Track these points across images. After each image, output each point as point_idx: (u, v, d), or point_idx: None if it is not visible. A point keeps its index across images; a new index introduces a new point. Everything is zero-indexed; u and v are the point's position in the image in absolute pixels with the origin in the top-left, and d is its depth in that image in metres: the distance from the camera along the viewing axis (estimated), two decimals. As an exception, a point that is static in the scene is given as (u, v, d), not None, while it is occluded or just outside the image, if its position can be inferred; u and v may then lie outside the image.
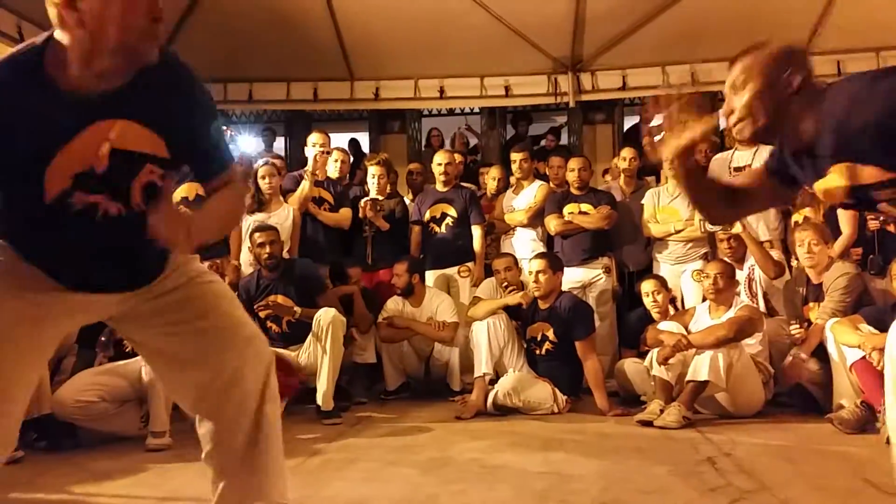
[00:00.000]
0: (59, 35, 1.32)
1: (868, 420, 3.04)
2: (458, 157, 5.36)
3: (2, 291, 1.41)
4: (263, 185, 4.43)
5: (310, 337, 3.68)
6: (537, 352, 3.89)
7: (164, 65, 1.39)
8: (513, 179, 5.05)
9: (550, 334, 3.84)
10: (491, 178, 5.34)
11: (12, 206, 1.43)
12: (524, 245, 4.77)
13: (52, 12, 1.31)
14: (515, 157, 4.95)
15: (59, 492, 2.35)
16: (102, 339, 3.39)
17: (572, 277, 4.43)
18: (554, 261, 3.98)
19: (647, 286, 4.02)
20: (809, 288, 3.69)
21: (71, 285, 1.47)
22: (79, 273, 1.48)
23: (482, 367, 3.76)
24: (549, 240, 4.78)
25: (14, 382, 1.43)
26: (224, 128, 5.64)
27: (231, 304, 1.64)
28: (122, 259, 1.50)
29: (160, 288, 1.56)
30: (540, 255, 4.03)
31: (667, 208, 4.45)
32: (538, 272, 3.85)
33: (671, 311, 4.04)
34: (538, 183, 4.94)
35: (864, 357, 3.06)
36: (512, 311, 4.00)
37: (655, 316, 3.94)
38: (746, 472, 2.41)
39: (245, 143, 6.57)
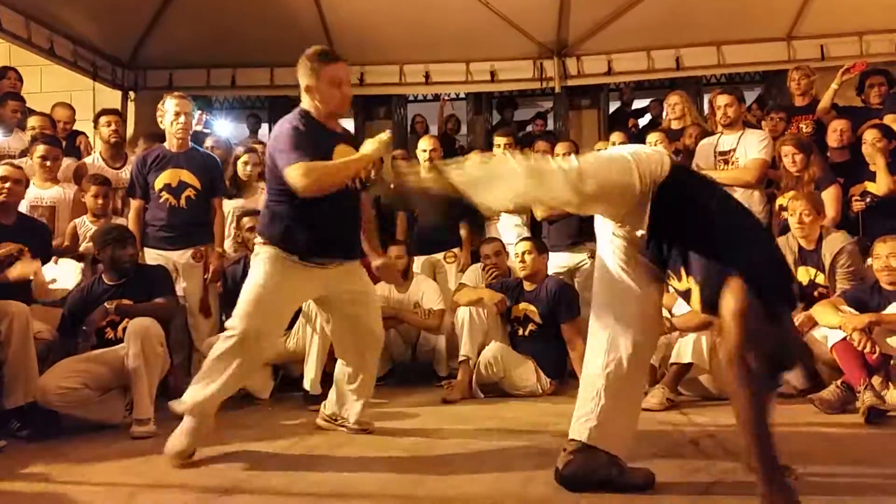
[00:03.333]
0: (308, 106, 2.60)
1: (848, 400, 3.09)
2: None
3: (286, 272, 2.52)
4: (243, 170, 4.43)
5: (299, 321, 3.65)
6: (520, 332, 3.92)
7: None
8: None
9: (535, 315, 3.87)
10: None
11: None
12: (509, 230, 4.77)
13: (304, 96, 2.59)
14: (499, 140, 4.93)
15: (42, 481, 2.33)
16: (84, 328, 3.35)
17: (558, 262, 4.45)
18: (539, 244, 4.08)
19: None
20: (802, 253, 3.67)
21: (315, 258, 2.57)
22: (327, 242, 2.57)
23: (464, 350, 3.79)
24: (533, 225, 4.78)
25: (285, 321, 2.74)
26: (199, 112, 5.48)
27: None
28: (349, 228, 2.70)
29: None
30: (526, 239, 4.13)
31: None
32: (524, 252, 3.94)
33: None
34: (523, 168, 4.92)
35: (844, 338, 3.09)
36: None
37: (640, 300, 3.96)
38: (729, 452, 2.44)
39: (225, 128, 6.49)
